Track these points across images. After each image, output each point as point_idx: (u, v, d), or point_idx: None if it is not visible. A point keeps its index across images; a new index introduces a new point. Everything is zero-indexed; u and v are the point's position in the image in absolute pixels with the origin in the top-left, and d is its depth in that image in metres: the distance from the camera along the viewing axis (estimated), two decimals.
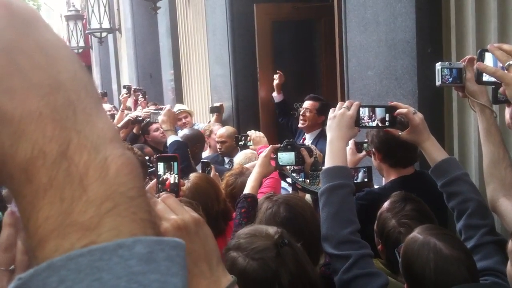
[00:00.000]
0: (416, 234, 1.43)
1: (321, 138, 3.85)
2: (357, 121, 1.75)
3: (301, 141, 3.95)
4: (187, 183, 2.28)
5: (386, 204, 1.80)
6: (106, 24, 8.33)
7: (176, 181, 1.54)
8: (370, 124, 1.81)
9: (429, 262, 1.33)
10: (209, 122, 5.39)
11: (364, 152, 2.52)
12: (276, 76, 4.67)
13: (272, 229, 1.40)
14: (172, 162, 1.53)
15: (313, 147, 2.61)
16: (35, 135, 0.36)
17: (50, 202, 0.35)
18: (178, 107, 5.38)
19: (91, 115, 0.38)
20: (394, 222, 1.72)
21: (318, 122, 3.98)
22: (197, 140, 4.08)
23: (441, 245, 1.35)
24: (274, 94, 4.75)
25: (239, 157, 3.25)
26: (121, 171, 0.37)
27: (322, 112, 3.95)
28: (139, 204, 0.37)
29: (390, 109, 1.79)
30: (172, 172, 1.54)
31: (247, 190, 2.15)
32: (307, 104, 4.02)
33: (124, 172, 0.37)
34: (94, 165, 0.36)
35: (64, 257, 0.33)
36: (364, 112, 1.78)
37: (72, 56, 0.41)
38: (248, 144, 3.14)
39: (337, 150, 1.69)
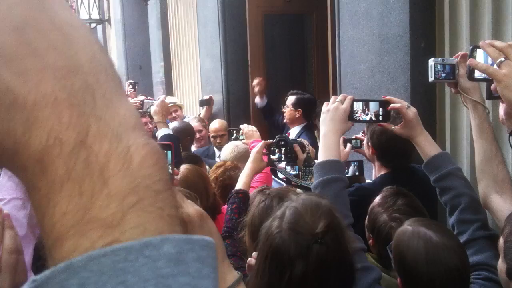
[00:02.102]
0: (406, 226, 1.43)
1: (303, 132, 3.85)
2: (350, 115, 1.74)
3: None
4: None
5: (377, 199, 1.80)
6: (95, 15, 8.25)
7: (170, 170, 1.51)
8: (364, 118, 1.80)
9: (420, 250, 1.33)
10: (199, 114, 5.34)
11: (349, 145, 2.51)
12: (255, 82, 4.50)
13: (325, 220, 1.22)
14: (166, 151, 1.50)
15: (305, 142, 2.60)
16: (50, 122, 0.32)
17: (67, 196, 0.32)
18: (168, 100, 5.32)
19: (112, 100, 0.35)
20: (386, 217, 1.72)
21: (296, 116, 3.94)
22: (187, 133, 4.06)
23: (431, 233, 1.35)
24: (257, 100, 4.54)
25: (226, 152, 3.22)
26: (145, 162, 0.34)
27: (298, 106, 3.93)
28: (166, 198, 0.34)
29: (384, 103, 1.79)
30: None
31: (239, 185, 2.13)
32: (287, 101, 4.02)
33: (149, 163, 0.34)
34: (116, 155, 0.33)
35: (84, 257, 0.30)
36: (358, 106, 1.78)
37: (91, 36, 0.37)
38: (240, 138, 3.12)
39: (330, 144, 1.68)
